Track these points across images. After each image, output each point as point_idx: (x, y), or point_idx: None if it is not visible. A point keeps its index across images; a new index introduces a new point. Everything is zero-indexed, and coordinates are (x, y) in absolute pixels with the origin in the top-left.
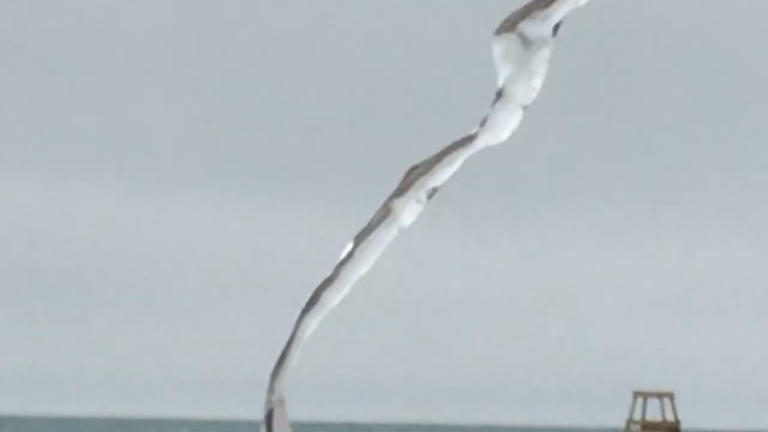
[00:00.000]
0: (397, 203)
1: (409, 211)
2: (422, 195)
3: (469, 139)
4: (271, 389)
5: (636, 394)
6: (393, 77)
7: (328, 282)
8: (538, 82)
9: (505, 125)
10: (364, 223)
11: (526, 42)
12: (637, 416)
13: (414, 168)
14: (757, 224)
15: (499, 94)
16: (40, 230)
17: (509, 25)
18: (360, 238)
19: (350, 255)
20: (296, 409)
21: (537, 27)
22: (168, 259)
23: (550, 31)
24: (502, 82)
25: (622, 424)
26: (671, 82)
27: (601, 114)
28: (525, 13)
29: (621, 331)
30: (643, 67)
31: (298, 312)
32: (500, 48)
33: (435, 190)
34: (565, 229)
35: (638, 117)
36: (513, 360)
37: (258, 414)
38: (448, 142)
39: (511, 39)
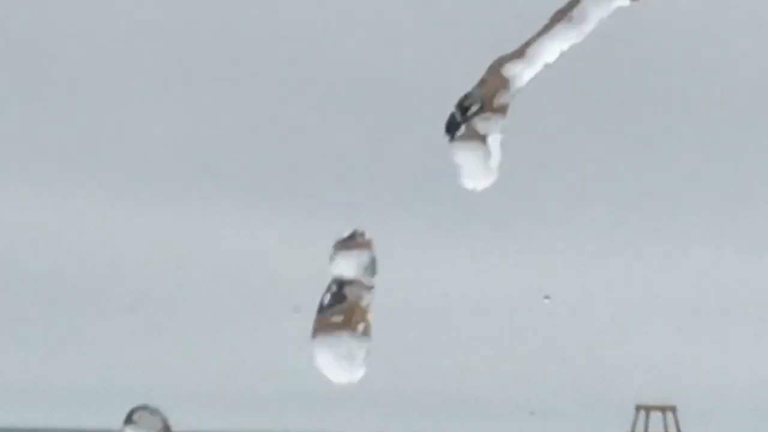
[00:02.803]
0: None
1: None
2: None
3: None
4: None
5: (638, 408)
6: (392, 81)
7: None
8: None
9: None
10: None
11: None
12: (640, 430)
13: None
14: (765, 236)
15: None
16: (36, 238)
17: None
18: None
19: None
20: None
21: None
22: (167, 268)
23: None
24: None
25: None
26: (677, 80)
27: (598, 114)
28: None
29: (623, 343)
30: (641, 68)
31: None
32: None
33: None
34: (566, 238)
35: (639, 117)
36: (511, 372)
37: (259, 425)
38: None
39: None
